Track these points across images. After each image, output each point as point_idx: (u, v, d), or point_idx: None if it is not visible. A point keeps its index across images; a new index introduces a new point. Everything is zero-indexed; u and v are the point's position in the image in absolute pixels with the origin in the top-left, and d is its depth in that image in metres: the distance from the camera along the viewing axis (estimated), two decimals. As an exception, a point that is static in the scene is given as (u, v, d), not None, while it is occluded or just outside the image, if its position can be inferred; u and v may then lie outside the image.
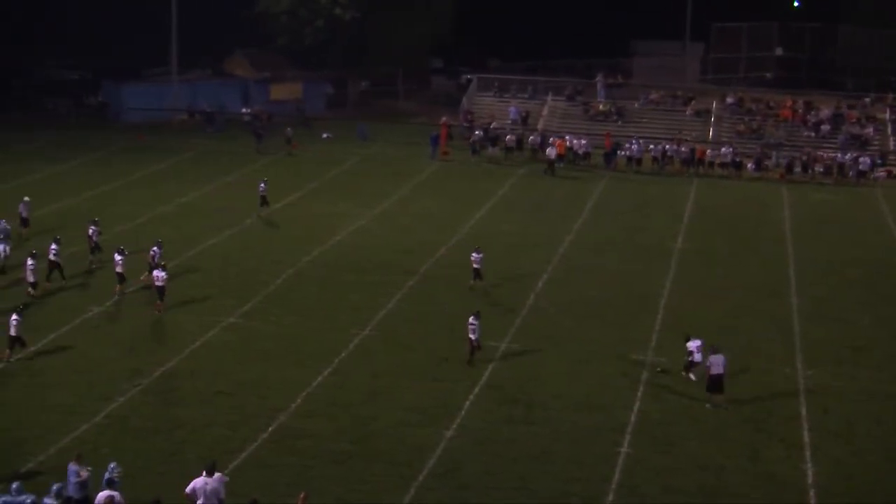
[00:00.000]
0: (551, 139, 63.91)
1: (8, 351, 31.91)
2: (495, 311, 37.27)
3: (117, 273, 37.94)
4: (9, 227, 41.47)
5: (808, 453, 27.40)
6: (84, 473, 23.12)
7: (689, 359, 31.78)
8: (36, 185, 54.79)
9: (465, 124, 71.03)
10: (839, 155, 62.92)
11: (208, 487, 22.28)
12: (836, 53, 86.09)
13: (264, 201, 49.03)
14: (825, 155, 63.44)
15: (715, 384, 30.14)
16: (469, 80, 79.91)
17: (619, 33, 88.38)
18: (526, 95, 75.63)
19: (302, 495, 21.73)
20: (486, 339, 34.46)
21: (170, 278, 37.12)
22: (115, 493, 21.82)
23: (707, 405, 30.19)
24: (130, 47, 75.45)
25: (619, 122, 71.61)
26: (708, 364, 30.34)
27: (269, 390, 30.20)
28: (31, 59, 78.39)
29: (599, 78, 77.27)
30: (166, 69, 75.24)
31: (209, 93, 75.83)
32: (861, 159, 62.17)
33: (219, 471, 22.72)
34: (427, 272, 41.62)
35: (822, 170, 61.94)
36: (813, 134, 68.42)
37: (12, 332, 31.83)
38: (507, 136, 66.62)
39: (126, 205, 50.80)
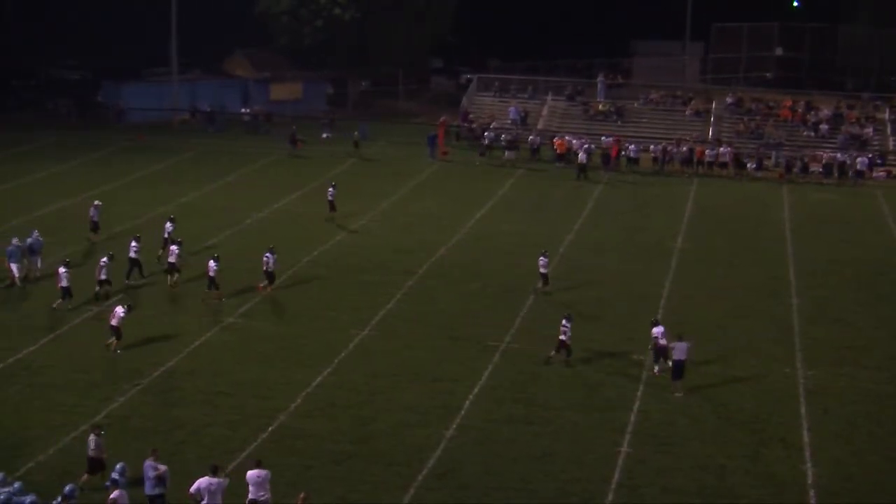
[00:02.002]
0: (584, 143, 63.17)
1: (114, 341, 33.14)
2: (495, 310, 37.27)
3: (170, 263, 38.84)
4: (42, 239, 40.54)
5: (808, 453, 27.39)
6: (161, 468, 23.24)
7: (654, 345, 32.12)
8: (36, 186, 54.88)
9: (464, 124, 71.05)
10: (839, 155, 62.90)
11: (213, 488, 22.31)
12: (836, 53, 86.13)
13: (332, 206, 48.52)
14: (823, 154, 63.43)
15: (676, 371, 30.72)
16: (469, 80, 79.95)
17: (619, 33, 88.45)
18: (526, 95, 75.67)
19: (301, 496, 21.72)
20: (485, 338, 34.57)
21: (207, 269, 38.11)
22: (120, 492, 21.93)
23: (675, 394, 30.60)
24: (131, 47, 75.57)
25: (619, 122, 71.63)
26: (671, 347, 30.99)
27: (269, 390, 30.20)
28: (32, 60, 78.37)
29: (599, 78, 77.29)
30: (166, 69, 75.26)
31: (209, 93, 75.87)
32: (860, 159, 62.17)
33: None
34: (427, 272, 41.62)
35: (821, 170, 61.93)
36: (812, 134, 68.42)
37: (114, 322, 32.86)
38: (504, 136, 66.64)
39: (126, 205, 50.78)
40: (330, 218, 48.48)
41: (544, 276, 39.34)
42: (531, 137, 66.41)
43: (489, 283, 40.52)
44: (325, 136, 69.44)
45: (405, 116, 78.55)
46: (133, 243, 39.45)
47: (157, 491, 23.06)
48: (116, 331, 32.83)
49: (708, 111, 72.32)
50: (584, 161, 59.86)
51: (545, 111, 74.14)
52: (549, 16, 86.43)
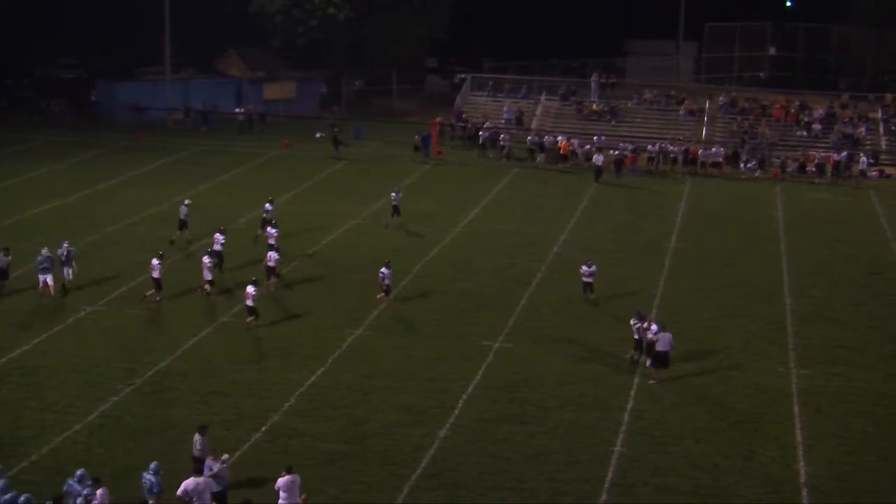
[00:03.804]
0: (599, 144, 63.04)
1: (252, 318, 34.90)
2: (489, 309, 37.28)
3: (206, 271, 38.14)
4: (73, 248, 39.00)
5: (801, 453, 27.41)
6: (217, 466, 23.32)
7: (636, 336, 32.53)
8: (29, 185, 54.77)
9: (458, 123, 71.08)
10: (834, 154, 63.01)
11: (200, 488, 22.30)
12: (830, 53, 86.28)
13: (396, 211, 48.01)
14: (816, 154, 63.53)
15: (659, 360, 31.23)
16: (463, 80, 80.00)
17: (613, 33, 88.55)
18: (520, 95, 75.72)
19: (303, 497, 21.74)
20: (479, 338, 34.57)
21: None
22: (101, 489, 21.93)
23: (650, 381, 31.06)
24: (124, 46, 75.49)
25: (613, 122, 71.72)
26: (654, 338, 31.31)
27: (263, 390, 30.16)
28: (25, 59, 78.25)
29: (593, 77, 77.35)
30: (160, 68, 75.21)
31: (203, 92, 75.83)
32: (862, 158, 62.32)
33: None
34: (421, 271, 41.61)
35: (814, 169, 62.04)
36: (805, 133, 68.54)
37: (249, 302, 34.75)
38: (502, 136, 66.70)
39: (119, 204, 50.74)
40: (389, 224, 47.90)
41: (589, 284, 38.46)
42: (529, 138, 66.43)
43: (483, 282, 40.52)
44: (318, 135, 69.43)
45: (399, 116, 78.57)
46: (219, 236, 40.56)
47: (217, 489, 23.15)
48: (253, 310, 34.72)
49: (701, 111, 72.44)
50: (600, 164, 59.18)
51: (539, 111, 74.20)
52: (543, 15, 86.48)
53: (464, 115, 72.87)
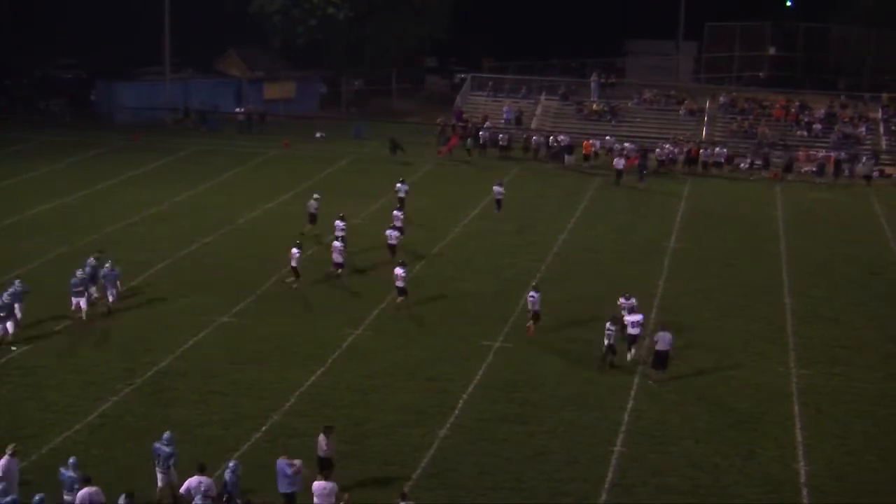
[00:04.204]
0: (623, 148, 62.83)
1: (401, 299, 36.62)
2: (489, 309, 37.25)
3: (337, 254, 39.82)
4: (116, 270, 36.44)
5: (801, 453, 27.42)
6: (296, 463, 23.42)
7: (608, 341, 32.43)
8: (29, 185, 54.75)
9: (459, 123, 71.06)
10: (835, 153, 63.10)
11: (203, 486, 22.31)
12: (829, 53, 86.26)
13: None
14: (816, 154, 63.56)
15: (659, 361, 31.20)
16: (463, 80, 79.99)
17: (613, 32, 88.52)
18: (520, 95, 75.72)
19: (346, 496, 22.00)
20: (478, 338, 34.55)
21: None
22: (95, 488, 21.96)
23: (650, 381, 31.11)
24: (124, 46, 75.45)
25: (613, 122, 71.71)
26: (655, 339, 31.39)
27: (263, 390, 30.15)
28: (24, 59, 78.21)
29: (593, 77, 77.34)
30: (160, 68, 75.20)
31: (202, 92, 75.85)
32: (863, 159, 62.48)
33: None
34: (421, 271, 41.59)
35: (814, 169, 62.05)
36: (805, 133, 68.55)
37: (400, 283, 36.49)
38: (500, 136, 66.72)
39: (119, 204, 50.73)
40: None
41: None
42: (534, 138, 66.37)
43: (483, 282, 40.51)
44: (318, 135, 69.44)
45: (399, 116, 78.56)
46: (339, 223, 42.65)
47: (290, 490, 23.26)
48: (403, 290, 36.53)
49: (702, 111, 72.43)
50: (621, 167, 58.79)
51: (539, 110, 74.20)
52: (543, 15, 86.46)
53: (464, 115, 72.85)
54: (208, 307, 36.77)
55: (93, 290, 35.74)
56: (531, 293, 35.24)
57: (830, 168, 61.66)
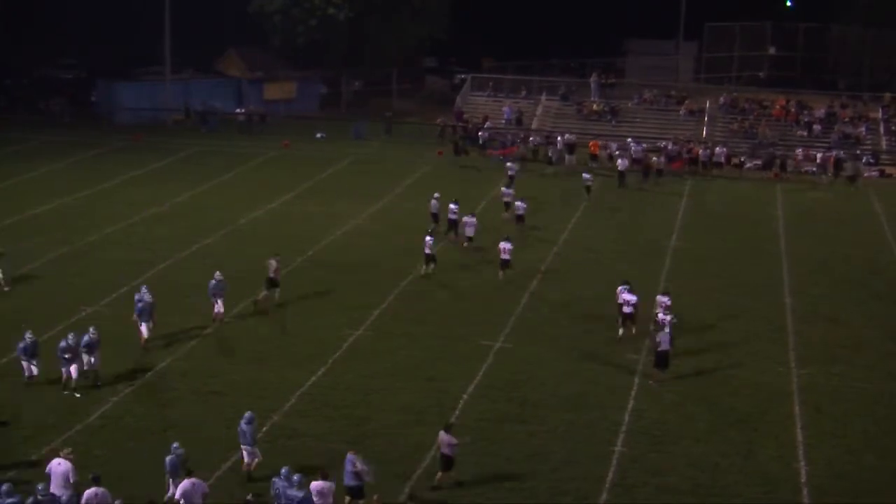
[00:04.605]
0: (625, 148, 62.84)
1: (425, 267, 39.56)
2: (489, 310, 37.28)
3: (427, 254, 40.53)
4: (152, 299, 33.61)
5: (801, 452, 27.45)
6: (360, 466, 23.63)
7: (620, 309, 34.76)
8: (29, 185, 54.79)
9: (460, 123, 71.13)
10: (833, 153, 63.15)
11: (195, 489, 22.34)
12: (829, 52, 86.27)
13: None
14: (816, 154, 63.60)
15: (660, 360, 31.42)
16: (463, 80, 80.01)
17: (613, 33, 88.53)
18: (520, 95, 75.76)
19: (375, 497, 22.21)
20: (479, 337, 34.58)
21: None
22: (102, 489, 21.97)
23: (651, 382, 31.24)
24: (124, 46, 75.45)
25: (613, 122, 71.74)
26: (658, 340, 31.49)
27: (263, 390, 30.16)
28: (24, 58, 78.20)
29: (593, 77, 77.37)
30: (160, 68, 75.23)
31: (202, 92, 75.86)
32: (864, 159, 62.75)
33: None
34: (421, 271, 41.60)
35: (813, 169, 62.12)
36: (805, 133, 68.58)
37: (505, 256, 39.86)
38: (508, 137, 66.80)
39: (119, 204, 50.76)
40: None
41: (506, 261, 40.37)
42: (532, 139, 66.42)
43: (483, 282, 40.53)
44: (319, 135, 69.47)
45: (399, 116, 78.59)
46: (452, 205, 45.65)
47: (353, 483, 23.60)
48: (506, 263, 39.63)
49: (702, 111, 72.47)
50: (624, 168, 58.55)
51: (539, 111, 74.22)
52: (543, 15, 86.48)
53: (464, 116, 72.90)
54: (209, 307, 36.75)
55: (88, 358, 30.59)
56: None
57: (830, 167, 61.67)
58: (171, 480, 23.47)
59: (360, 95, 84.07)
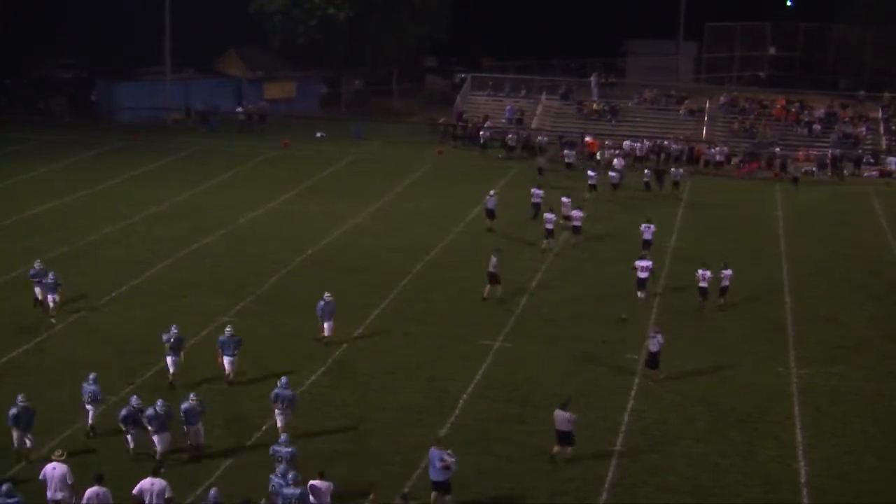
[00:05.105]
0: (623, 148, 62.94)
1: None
2: (489, 309, 37.28)
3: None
4: (238, 337, 31.05)
5: (801, 452, 27.46)
6: (448, 459, 23.78)
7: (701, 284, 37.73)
8: (29, 185, 54.77)
9: (459, 123, 71.15)
10: (830, 152, 63.30)
11: (155, 488, 22.35)
12: (829, 52, 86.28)
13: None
14: (814, 153, 63.69)
15: (651, 361, 31.79)
16: (463, 79, 80.00)
17: (613, 32, 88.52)
18: (520, 95, 75.75)
19: (371, 496, 22.19)
20: (479, 337, 34.60)
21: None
22: (104, 489, 21.96)
23: (650, 382, 31.49)
24: (124, 46, 75.43)
25: (613, 122, 71.74)
26: (651, 337, 31.96)
27: (263, 389, 30.08)
28: (24, 58, 78.18)
29: (593, 77, 77.36)
30: (160, 68, 75.21)
31: (203, 92, 75.87)
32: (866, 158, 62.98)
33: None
34: (421, 271, 41.63)
35: (814, 168, 62.17)
36: (806, 132, 68.59)
37: (577, 223, 43.82)
38: (509, 136, 66.82)
39: (119, 204, 50.76)
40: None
41: (724, 289, 38.38)
42: (539, 138, 66.35)
43: (483, 282, 40.51)
44: (319, 135, 69.48)
45: (399, 115, 78.65)
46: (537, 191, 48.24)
47: (441, 478, 23.79)
48: (578, 229, 42.78)
49: (702, 110, 72.47)
50: (620, 167, 57.88)
51: (539, 110, 74.21)
52: (543, 15, 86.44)
53: (464, 115, 72.92)
54: (209, 307, 36.80)
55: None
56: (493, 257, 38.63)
57: (830, 167, 61.79)
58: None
59: (361, 95, 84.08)
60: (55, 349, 32.93)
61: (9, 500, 21.38)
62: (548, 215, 45.11)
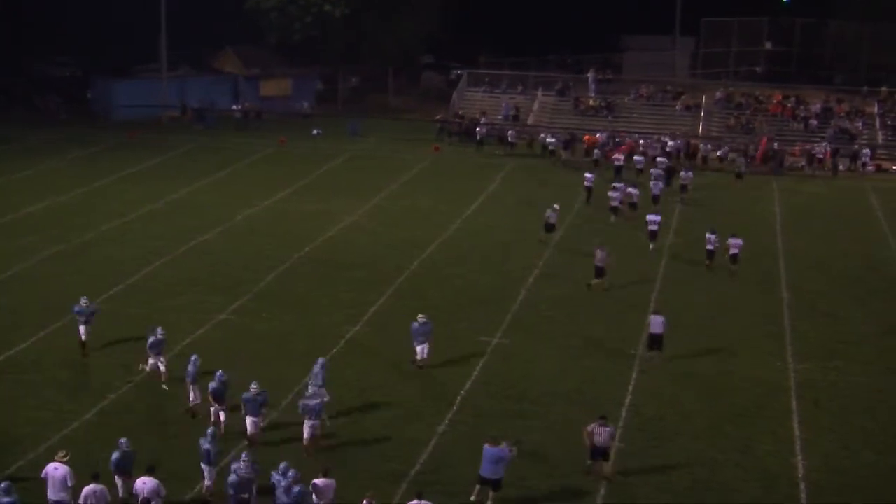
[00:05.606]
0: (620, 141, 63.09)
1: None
2: (486, 306, 37.25)
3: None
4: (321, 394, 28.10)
5: (799, 447, 27.46)
6: (506, 453, 24.01)
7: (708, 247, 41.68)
8: (25, 183, 54.67)
9: (457, 119, 71.12)
10: (825, 146, 63.49)
11: (146, 487, 22.34)
12: (826, 48, 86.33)
13: (550, 227, 45.92)
14: (808, 148, 63.79)
15: (654, 342, 32.48)
16: (459, 76, 79.95)
17: (610, 28, 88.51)
18: (517, 91, 75.74)
19: (369, 494, 22.09)
20: (476, 334, 34.59)
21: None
22: (101, 487, 21.96)
23: (648, 362, 32.18)
24: (121, 44, 75.30)
25: (610, 117, 71.75)
26: (648, 322, 32.67)
27: (261, 386, 30.02)
28: (20, 56, 78.02)
29: (590, 73, 77.35)
30: (157, 66, 75.13)
31: (199, 89, 75.80)
32: (865, 150, 62.96)
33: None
34: (418, 268, 41.60)
35: (804, 163, 62.33)
36: (802, 127, 68.63)
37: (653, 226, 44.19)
38: (509, 132, 66.81)
39: (116, 202, 50.70)
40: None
41: (734, 256, 41.87)
42: (541, 136, 66.24)
43: (480, 278, 40.52)
44: (315, 132, 69.42)
45: (395, 112, 78.61)
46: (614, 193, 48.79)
47: (493, 476, 23.95)
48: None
49: (698, 106, 72.47)
50: (620, 163, 57.99)
51: (536, 106, 74.20)
52: (539, 11, 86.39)
53: (460, 111, 72.89)
54: (206, 305, 36.77)
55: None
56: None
57: (828, 162, 61.84)
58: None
59: (357, 92, 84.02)
60: (52, 347, 32.82)
61: (4, 500, 21.34)
62: (612, 193, 49.39)
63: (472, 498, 24.25)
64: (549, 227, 45.32)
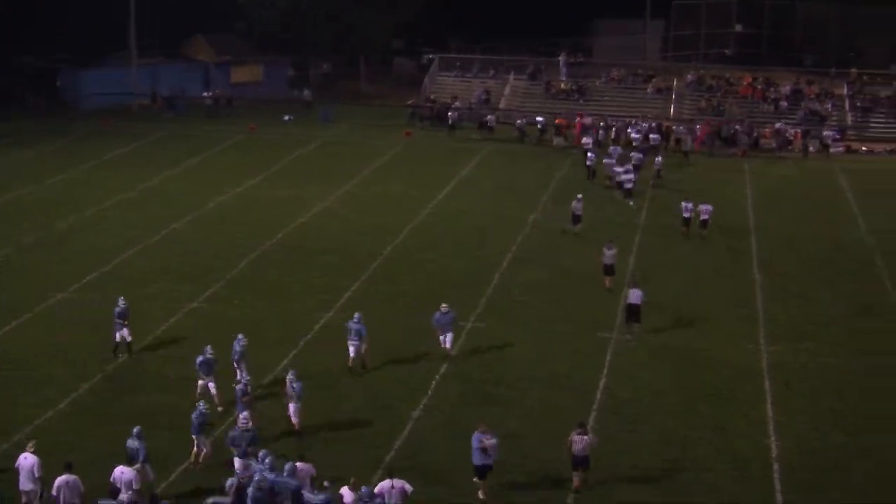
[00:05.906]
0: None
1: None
2: (460, 290, 37.28)
3: (606, 265, 37.86)
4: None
5: (771, 428, 27.67)
6: (489, 441, 23.83)
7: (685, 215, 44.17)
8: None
9: (427, 104, 71.06)
10: (792, 129, 63.87)
11: (125, 477, 22.28)
12: (795, 30, 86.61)
13: (577, 219, 45.31)
14: (784, 129, 64.08)
15: (632, 314, 33.15)
16: (431, 60, 79.83)
17: (581, 12, 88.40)
18: (488, 75, 75.69)
19: (352, 481, 22.09)
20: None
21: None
22: (74, 477, 21.93)
23: (626, 336, 32.77)
24: (90, 32, 74.67)
25: (581, 101, 71.85)
26: (625, 295, 33.35)
27: (234, 374, 30.02)
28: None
29: (561, 57, 77.39)
30: (126, 54, 74.63)
31: (170, 77, 75.40)
32: (826, 132, 63.13)
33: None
34: (391, 254, 41.61)
35: (774, 144, 62.66)
36: (773, 109, 68.94)
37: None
38: (488, 117, 66.77)
39: (87, 190, 50.44)
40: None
41: (704, 221, 44.27)
42: (518, 122, 66.05)
43: (453, 263, 40.56)
44: (286, 118, 69.22)
45: (367, 98, 78.46)
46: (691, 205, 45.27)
47: (483, 462, 23.82)
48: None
49: (669, 89, 72.66)
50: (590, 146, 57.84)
51: (507, 90, 74.21)
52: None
53: (432, 96, 72.81)
54: (179, 293, 36.68)
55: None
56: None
57: (798, 144, 62.20)
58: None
59: (328, 78, 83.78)
60: (25, 337, 32.67)
61: None
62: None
63: (480, 496, 24.10)
64: (576, 219, 44.65)
